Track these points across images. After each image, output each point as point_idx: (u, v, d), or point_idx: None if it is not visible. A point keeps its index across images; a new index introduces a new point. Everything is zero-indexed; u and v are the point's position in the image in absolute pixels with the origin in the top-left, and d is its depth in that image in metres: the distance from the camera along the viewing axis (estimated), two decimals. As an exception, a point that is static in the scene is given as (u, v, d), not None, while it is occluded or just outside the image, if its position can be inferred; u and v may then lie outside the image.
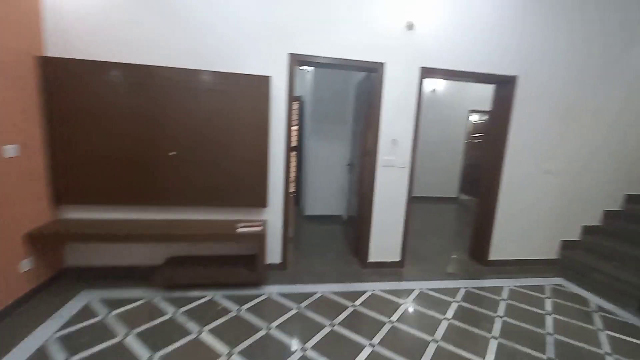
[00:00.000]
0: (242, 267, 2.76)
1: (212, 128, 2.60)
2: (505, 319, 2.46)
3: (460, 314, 2.48)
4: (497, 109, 3.26)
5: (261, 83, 2.60)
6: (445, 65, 2.94)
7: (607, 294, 2.95)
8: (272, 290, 2.66)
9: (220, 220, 2.81)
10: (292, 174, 5.77)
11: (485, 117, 6.93)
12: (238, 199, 2.77)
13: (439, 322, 2.37)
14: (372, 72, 2.99)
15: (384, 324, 2.30)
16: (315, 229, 4.40)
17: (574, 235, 3.58)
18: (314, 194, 4.75)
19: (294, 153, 5.62)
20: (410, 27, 2.81)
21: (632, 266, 3.06)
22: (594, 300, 2.84)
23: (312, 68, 4.50)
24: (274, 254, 3.01)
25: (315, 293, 2.67)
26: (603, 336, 2.31)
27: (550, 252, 3.58)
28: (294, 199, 5.69)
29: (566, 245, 3.56)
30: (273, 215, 2.94)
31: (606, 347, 2.18)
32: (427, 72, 2.93)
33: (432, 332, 2.23)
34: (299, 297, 2.59)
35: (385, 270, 3.19)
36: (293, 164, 5.75)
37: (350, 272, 3.10)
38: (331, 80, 4.49)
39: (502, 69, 3.03)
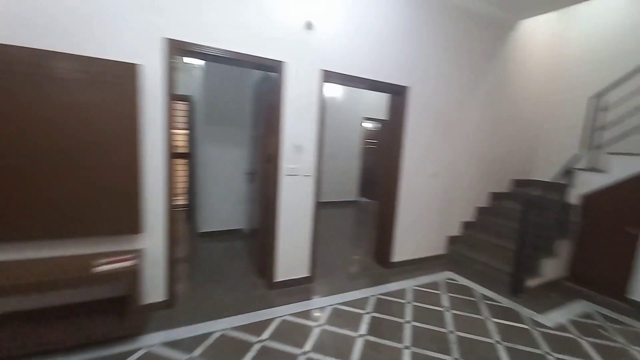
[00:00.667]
0: (108, 315, 2.06)
1: (58, 129, 1.85)
2: (413, 323, 2.47)
3: (373, 327, 2.38)
4: (393, 117, 3.38)
5: (126, 73, 1.98)
6: (345, 70, 2.87)
7: (486, 282, 3.36)
8: (153, 341, 2.05)
9: (72, 256, 2.03)
10: (182, 186, 4.98)
11: (378, 125, 7.49)
12: (99, 226, 2.05)
13: (353, 341, 2.20)
14: (271, 72, 2.69)
15: (296, 357, 1.99)
16: (213, 247, 3.81)
17: (456, 231, 4.03)
18: (211, 207, 4.15)
19: (182, 161, 4.84)
20: (309, 26, 2.63)
21: (500, 255, 3.59)
22: (478, 289, 3.18)
23: (202, 62, 3.92)
24: (155, 290, 2.37)
25: (213, 333, 2.18)
26: (491, 324, 2.54)
27: (440, 248, 3.94)
28: (186, 215, 4.91)
29: (451, 240, 3.97)
30: (152, 240, 2.31)
31: (496, 336, 2.38)
32: (328, 76, 2.80)
33: (347, 356, 2.04)
34: (191, 343, 2.06)
35: (295, 289, 2.91)
36: (182, 173, 4.98)
37: (255, 297, 2.70)
38: (227, 77, 4.00)
39: (396, 79, 3.15)
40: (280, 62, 2.56)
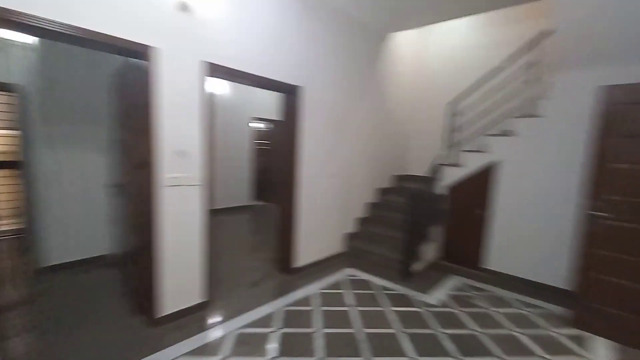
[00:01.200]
0: None
1: None
2: (324, 330, 2.38)
3: (285, 345, 2.18)
4: (288, 118, 3.24)
5: None
6: (233, 64, 2.56)
7: (382, 272, 3.60)
8: None
9: None
10: (9, 206, 3.67)
11: (269, 125, 7.29)
12: None
13: (263, 369, 1.95)
14: (138, 58, 2.15)
15: (195, 411, 1.61)
16: (69, 284, 2.90)
17: (353, 227, 4.22)
18: (60, 232, 3.16)
19: (7, 172, 3.56)
20: (183, 8, 2.21)
21: (391, 245, 3.91)
22: (376, 281, 3.36)
23: (34, 40, 2.93)
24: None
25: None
26: (392, 314, 2.69)
27: (340, 246, 4.04)
28: (21, 245, 3.63)
29: (349, 237, 4.13)
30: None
31: (397, 325, 2.52)
32: (213, 70, 2.44)
33: (259, 390, 1.78)
34: None
35: (188, 320, 2.44)
36: (8, 189, 3.67)
37: (133, 343, 2.13)
38: (75, 62, 3.09)
39: (289, 77, 3.02)
40: (149, 47, 2.07)
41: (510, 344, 2.34)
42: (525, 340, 2.40)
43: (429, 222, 3.83)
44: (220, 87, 5.92)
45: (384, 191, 4.70)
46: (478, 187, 3.69)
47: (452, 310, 2.81)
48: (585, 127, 2.90)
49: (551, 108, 3.15)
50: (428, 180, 4.17)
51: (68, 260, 3.21)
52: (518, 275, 3.44)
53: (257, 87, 2.99)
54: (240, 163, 6.58)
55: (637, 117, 2.32)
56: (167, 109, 2.20)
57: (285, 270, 3.42)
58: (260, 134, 7.60)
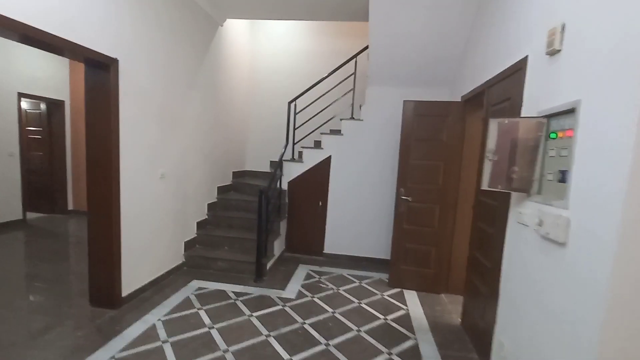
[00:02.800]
0: None
1: None
2: (182, 368, 1.92)
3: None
4: (96, 102, 2.36)
5: None
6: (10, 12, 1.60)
7: (232, 277, 3.31)
8: None
9: None
10: None
11: (45, 105, 5.29)
12: None
13: None
14: None
15: None
16: None
17: (192, 233, 3.67)
18: None
19: None
20: None
21: (236, 246, 3.68)
22: (229, 288, 3.06)
23: None
24: None
25: None
26: (255, 320, 2.51)
27: (179, 256, 3.41)
28: None
29: (187, 245, 3.56)
30: None
31: (263, 330, 2.38)
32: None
33: None
34: None
35: None
36: None
37: None
38: None
39: (101, 44, 2.20)
40: None
41: (360, 315, 2.70)
42: (368, 308, 2.85)
43: (275, 217, 3.87)
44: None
45: (223, 189, 4.37)
46: (317, 180, 4.05)
47: (308, 298, 2.96)
48: (393, 130, 3.74)
49: (368, 114, 3.86)
50: (269, 176, 4.21)
51: None
52: (349, 254, 4.06)
53: (50, 51, 2.01)
54: (4, 162, 4.39)
55: (422, 125, 3.19)
56: None
57: (106, 303, 2.54)
58: (32, 118, 5.35)
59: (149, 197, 2.85)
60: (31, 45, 1.93)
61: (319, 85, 4.17)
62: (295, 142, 4.28)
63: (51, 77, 5.02)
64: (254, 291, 3.04)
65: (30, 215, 5.07)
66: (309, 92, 4.21)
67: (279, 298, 2.93)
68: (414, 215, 3.25)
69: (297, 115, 4.28)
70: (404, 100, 3.16)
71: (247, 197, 4.29)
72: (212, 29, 3.80)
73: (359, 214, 3.99)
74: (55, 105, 5.24)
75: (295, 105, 4.18)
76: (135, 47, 2.53)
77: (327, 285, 3.28)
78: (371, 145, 3.89)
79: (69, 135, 5.44)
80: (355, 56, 4.02)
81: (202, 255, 3.53)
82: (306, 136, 4.40)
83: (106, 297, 2.54)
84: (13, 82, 4.45)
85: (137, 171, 2.66)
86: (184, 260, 3.50)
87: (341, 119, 4.01)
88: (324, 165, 4.01)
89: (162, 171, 3.01)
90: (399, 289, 3.29)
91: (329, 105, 4.39)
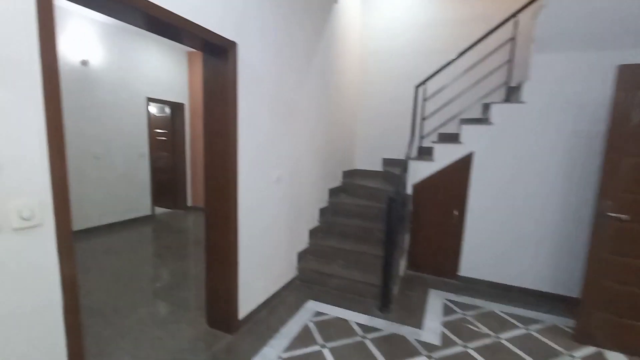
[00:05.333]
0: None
1: None
2: None
3: None
4: (214, 94, 2.04)
5: None
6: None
7: (351, 300, 2.77)
8: None
9: None
10: None
11: (169, 109, 5.67)
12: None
13: None
14: None
15: None
16: None
17: (304, 243, 3.26)
18: None
19: None
20: None
21: (352, 260, 3.11)
22: (352, 317, 2.51)
23: None
24: None
25: None
26: (398, 378, 1.89)
27: (291, 270, 3.04)
28: None
29: (300, 256, 3.16)
30: None
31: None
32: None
33: None
34: None
35: None
36: None
37: None
38: None
39: (219, 26, 1.83)
40: None
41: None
42: (559, 380, 1.92)
43: (400, 229, 3.18)
44: (94, 52, 4.06)
45: (334, 192, 3.87)
46: (452, 184, 3.18)
47: (459, 348, 2.18)
48: (577, 115, 2.61)
49: (533, 93, 2.78)
50: (382, 176, 3.53)
51: None
52: (494, 280, 3.10)
53: (170, 36, 1.72)
54: (134, 159, 4.81)
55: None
56: None
57: (222, 326, 2.26)
58: (158, 121, 5.83)
59: (264, 202, 2.49)
60: (153, 30, 1.63)
61: (456, 61, 3.22)
62: (422, 135, 3.47)
63: (173, 82, 5.33)
64: (383, 326, 2.42)
65: (157, 210, 5.54)
66: (437, 73, 3.31)
67: (419, 342, 2.23)
68: (628, 241, 2.13)
69: (424, 103, 3.45)
70: (619, 66, 2.05)
71: (360, 200, 3.71)
72: (328, 5, 3.27)
73: (510, 229, 2.98)
74: (176, 108, 5.59)
75: (424, 89, 3.36)
76: (252, 28, 2.13)
77: (480, 329, 2.44)
78: (535, 137, 2.80)
79: (188, 136, 5.76)
80: (514, 15, 2.96)
81: (316, 270, 3.08)
82: (440, 126, 3.50)
83: (223, 319, 2.25)
84: (143, 88, 4.80)
85: (252, 172, 2.30)
86: (297, 273, 3.11)
87: (489, 104, 3.03)
88: (463, 165, 3.11)
89: (278, 173, 2.63)
90: (594, 348, 2.23)
91: (470, 87, 3.42)
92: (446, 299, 2.88)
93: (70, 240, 1.21)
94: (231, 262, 2.16)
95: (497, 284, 3.08)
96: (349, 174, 4.35)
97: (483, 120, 3.05)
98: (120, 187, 4.62)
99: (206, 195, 2.18)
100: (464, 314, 2.63)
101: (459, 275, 3.23)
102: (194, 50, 5.35)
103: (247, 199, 2.25)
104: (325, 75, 3.39)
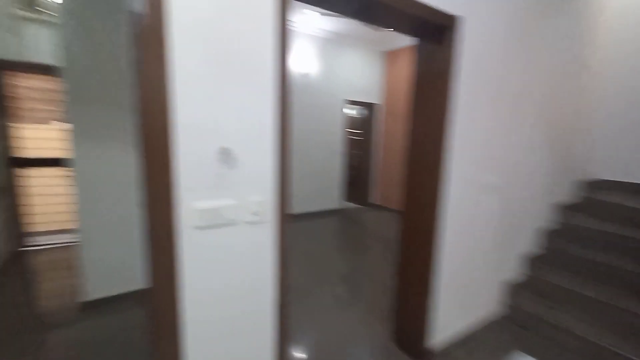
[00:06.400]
0: None
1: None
2: None
3: None
4: (425, 87, 1.73)
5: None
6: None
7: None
8: None
9: None
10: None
11: (362, 110, 5.91)
12: None
13: None
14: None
15: None
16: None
17: (515, 272, 2.51)
18: (98, 259, 2.33)
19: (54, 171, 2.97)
20: None
21: (596, 312, 2.09)
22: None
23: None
24: None
25: None
26: None
27: (494, 304, 2.40)
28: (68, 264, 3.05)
29: (510, 290, 2.45)
30: None
31: None
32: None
33: None
34: None
35: None
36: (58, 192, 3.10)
37: None
38: (95, 34, 2.15)
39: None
40: None
41: None
42: None
43: None
44: (302, 62, 4.70)
45: (568, 210, 2.80)
46: None
47: None
48: None
49: None
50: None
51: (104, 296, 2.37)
52: None
53: (369, 21, 1.57)
54: (330, 156, 5.33)
55: None
56: (191, 60, 0.96)
57: (410, 350, 1.99)
58: (353, 122, 6.22)
59: (472, 215, 2.01)
60: (363, 16, 1.50)
61: None
62: None
63: (367, 83, 5.50)
64: None
65: (345, 205, 5.95)
66: None
67: None
68: None
69: None
70: None
71: (610, 225, 2.51)
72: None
73: None
74: (370, 108, 5.77)
75: None
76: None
77: None
78: None
79: (380, 136, 5.84)
80: None
81: (536, 314, 2.29)
82: None
83: (411, 343, 1.97)
84: (341, 90, 5.19)
85: (461, 179, 1.87)
86: (504, 310, 2.43)
87: None
88: None
89: (494, 180, 2.07)
90: None
91: None
92: None
93: (286, 235, 1.24)
94: (426, 279, 1.85)
95: None
96: (590, 186, 3.06)
97: None
98: (317, 181, 5.21)
99: (406, 200, 1.94)
100: None
101: None
102: (391, 49, 5.37)
103: (453, 210, 1.85)
104: (571, 47, 2.44)
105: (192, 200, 1.01)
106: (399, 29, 1.63)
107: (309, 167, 5.05)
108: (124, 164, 2.30)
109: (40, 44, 2.88)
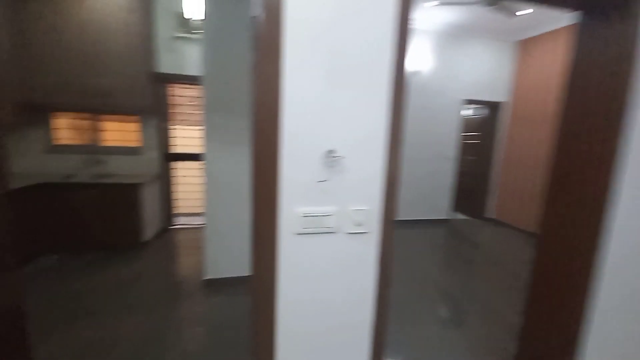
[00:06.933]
0: None
1: None
2: None
3: None
4: (589, 77, 1.32)
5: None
6: None
7: None
8: None
9: None
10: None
11: (482, 110, 5.18)
12: None
13: None
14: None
15: None
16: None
17: None
18: (219, 243, 2.67)
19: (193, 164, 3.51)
20: None
21: None
22: None
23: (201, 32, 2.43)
24: None
25: None
26: None
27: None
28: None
29: None
30: None
31: None
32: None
33: None
34: None
35: None
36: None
37: None
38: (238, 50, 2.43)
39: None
40: None
41: None
42: None
43: None
44: (413, 59, 4.38)
45: None
46: None
47: None
48: None
49: None
50: None
51: (221, 277, 2.68)
52: None
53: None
54: (441, 162, 4.85)
55: None
56: (303, 61, 0.94)
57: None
58: (469, 124, 5.52)
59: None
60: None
61: None
62: None
63: (492, 80, 4.77)
64: None
65: (455, 216, 5.31)
66: None
67: None
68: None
69: None
70: None
71: None
72: None
73: None
74: (492, 109, 5.00)
75: None
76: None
77: None
78: None
79: (503, 140, 5.00)
80: None
81: None
82: None
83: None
84: (458, 88, 4.64)
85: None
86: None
87: None
88: None
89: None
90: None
91: None
92: None
93: (391, 247, 1.11)
94: (571, 332, 1.41)
95: None
96: None
97: None
98: (423, 187, 4.80)
99: (546, 217, 1.54)
100: None
101: None
102: (525, 37, 4.48)
103: (623, 230, 1.36)
104: None
105: (293, 205, 0.99)
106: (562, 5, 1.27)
107: (415, 171, 4.72)
108: (245, 164, 2.57)
109: (192, 58, 3.51)
